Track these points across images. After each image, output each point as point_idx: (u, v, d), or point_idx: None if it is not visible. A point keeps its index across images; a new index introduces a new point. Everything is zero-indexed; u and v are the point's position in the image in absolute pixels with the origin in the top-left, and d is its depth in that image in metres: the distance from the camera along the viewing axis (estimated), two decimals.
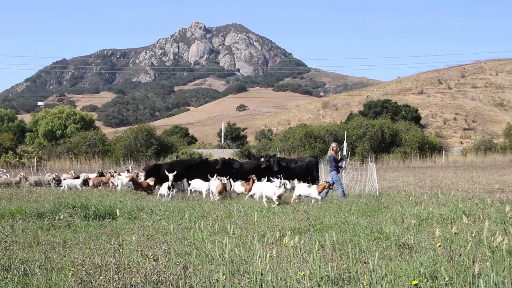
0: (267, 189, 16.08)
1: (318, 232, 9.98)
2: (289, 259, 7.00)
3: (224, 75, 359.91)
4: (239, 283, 6.24)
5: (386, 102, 77.78)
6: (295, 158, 26.74)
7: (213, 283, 6.28)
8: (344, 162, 20.10)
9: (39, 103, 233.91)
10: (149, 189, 19.42)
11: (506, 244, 6.66)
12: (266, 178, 17.33)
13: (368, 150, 51.59)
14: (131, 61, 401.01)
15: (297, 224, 10.96)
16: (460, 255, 6.74)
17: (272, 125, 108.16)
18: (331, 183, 17.05)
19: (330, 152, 18.81)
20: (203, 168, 20.99)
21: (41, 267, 7.27)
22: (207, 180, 18.64)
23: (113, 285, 6.17)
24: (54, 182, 22.97)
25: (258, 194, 16.66)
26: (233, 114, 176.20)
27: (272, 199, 15.74)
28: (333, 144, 19.34)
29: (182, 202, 16.18)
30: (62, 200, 14.58)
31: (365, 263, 6.85)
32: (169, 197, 17.42)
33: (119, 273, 6.51)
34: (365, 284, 6.04)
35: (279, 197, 15.53)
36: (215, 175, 18.30)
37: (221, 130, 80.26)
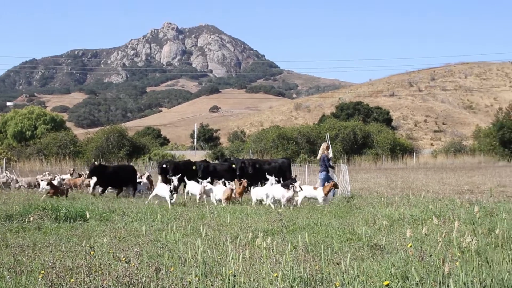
0: (275, 191, 15.48)
1: (291, 233, 10.01)
2: (262, 261, 7.00)
3: (196, 76, 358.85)
4: (211, 285, 6.23)
5: (358, 104, 78.47)
6: (268, 160, 26.80)
7: (186, 285, 6.25)
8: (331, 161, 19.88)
9: (8, 104, 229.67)
10: (65, 193, 17.67)
11: (475, 244, 6.77)
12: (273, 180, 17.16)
13: (340, 152, 51.91)
14: (102, 61, 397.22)
15: (270, 226, 10.98)
16: (431, 255, 6.83)
17: (245, 126, 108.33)
18: (321, 183, 16.85)
19: (324, 152, 18.58)
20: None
21: (10, 270, 7.14)
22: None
23: (84, 287, 6.11)
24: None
25: (259, 197, 16.04)
26: (205, 116, 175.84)
27: (279, 202, 15.26)
28: (324, 144, 19.17)
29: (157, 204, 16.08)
30: (32, 202, 14.35)
31: (337, 264, 6.89)
32: (172, 200, 16.00)
33: (90, 276, 6.44)
34: (337, 285, 6.08)
35: (289, 200, 15.08)
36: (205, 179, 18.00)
37: (193, 131, 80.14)
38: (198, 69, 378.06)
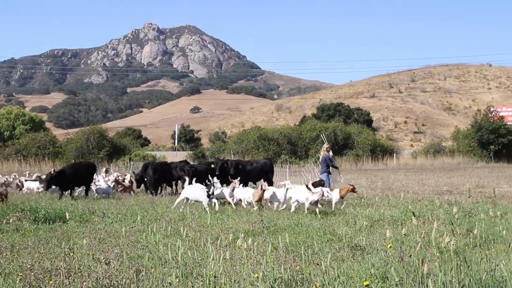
0: (299, 194, 14.23)
1: (272, 234, 10.02)
2: (242, 261, 7.00)
3: (177, 76, 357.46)
4: (192, 286, 6.21)
5: (338, 106, 78.87)
6: (250, 160, 26.80)
7: (166, 286, 6.23)
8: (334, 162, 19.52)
9: None
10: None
11: (453, 244, 6.83)
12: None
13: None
14: (82, 61, 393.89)
15: (251, 227, 10.98)
16: (410, 255, 6.88)
17: (226, 127, 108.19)
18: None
19: (324, 153, 18.36)
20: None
21: None
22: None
23: None
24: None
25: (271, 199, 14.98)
26: (187, 116, 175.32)
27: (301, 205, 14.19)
28: (326, 145, 19.00)
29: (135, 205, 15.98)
30: (10, 203, 14.19)
31: (318, 264, 6.92)
32: (215, 206, 14.58)
33: (70, 278, 6.39)
34: (318, 286, 6.10)
35: (314, 203, 13.69)
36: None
37: (175, 132, 79.89)
38: (179, 70, 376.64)
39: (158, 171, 21.39)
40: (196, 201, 14.87)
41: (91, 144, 51.58)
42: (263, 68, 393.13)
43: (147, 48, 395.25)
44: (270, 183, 22.09)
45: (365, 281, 6.18)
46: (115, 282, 6.20)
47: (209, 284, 6.25)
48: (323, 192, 14.13)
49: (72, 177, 18.87)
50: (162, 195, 20.06)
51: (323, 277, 6.35)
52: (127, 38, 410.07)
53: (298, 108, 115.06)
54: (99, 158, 48.69)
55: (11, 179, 23.43)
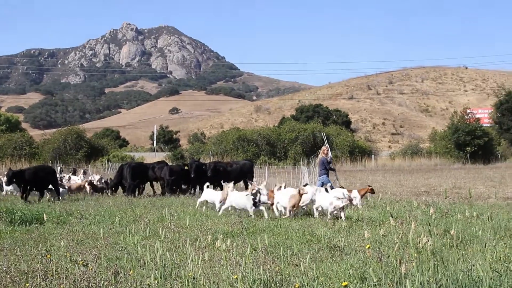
0: (323, 199, 13.13)
1: (251, 236, 10.01)
2: (221, 263, 6.99)
3: (156, 77, 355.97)
4: (171, 287, 6.19)
5: (317, 107, 79.17)
6: (230, 161, 26.80)
7: (145, 287, 6.19)
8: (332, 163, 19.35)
9: None
10: None
11: (430, 245, 6.90)
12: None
13: (300, 154, 52.24)
14: (59, 61, 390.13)
15: (230, 228, 10.96)
16: (388, 256, 6.93)
17: (205, 128, 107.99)
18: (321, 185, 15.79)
19: (322, 155, 18.09)
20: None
21: None
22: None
23: None
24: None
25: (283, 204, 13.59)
26: (165, 117, 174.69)
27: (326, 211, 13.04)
28: (324, 147, 18.81)
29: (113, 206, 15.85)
30: None
31: (296, 265, 6.93)
32: (264, 214, 13.15)
33: (47, 280, 6.31)
34: (297, 286, 6.11)
35: (340, 209, 12.46)
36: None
37: (153, 133, 79.48)
38: (157, 70, 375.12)
39: (136, 172, 21.22)
40: (241, 209, 13.61)
41: (68, 145, 51.16)
42: (242, 69, 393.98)
43: (125, 48, 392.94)
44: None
45: (344, 281, 6.21)
46: (93, 284, 6.15)
47: (188, 285, 6.22)
48: (351, 199, 13.24)
49: (31, 179, 18.30)
50: (140, 197, 19.92)
51: (302, 278, 6.37)
52: (105, 38, 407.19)
53: (277, 109, 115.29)
54: (76, 159, 48.31)
55: None
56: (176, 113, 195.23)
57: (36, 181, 18.40)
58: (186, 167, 21.63)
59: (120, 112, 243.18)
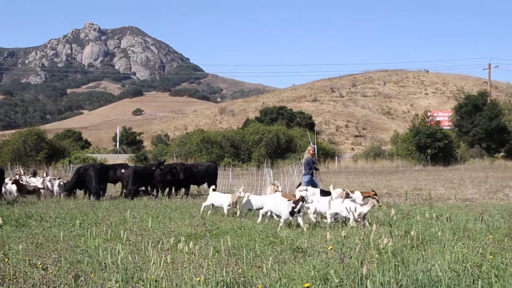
0: (340, 205, 12.09)
1: (215, 237, 10.00)
2: (184, 265, 6.95)
3: (119, 78, 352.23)
4: None
5: (281, 109, 79.39)
6: (194, 163, 26.68)
7: None
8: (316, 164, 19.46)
9: None
10: None
11: (391, 246, 7.01)
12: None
13: (264, 156, 52.36)
14: (19, 61, 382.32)
15: (193, 230, 10.92)
16: (351, 257, 7.01)
17: (169, 130, 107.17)
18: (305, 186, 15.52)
19: (307, 155, 18.32)
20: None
21: None
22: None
23: None
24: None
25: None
26: (128, 119, 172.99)
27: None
28: (310, 147, 18.94)
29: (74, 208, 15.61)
30: None
31: (259, 267, 6.94)
32: (300, 223, 11.58)
33: (4, 284, 6.19)
34: None
35: (363, 216, 11.61)
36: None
37: (116, 134, 78.49)
38: (121, 71, 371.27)
39: (102, 174, 20.88)
40: (275, 214, 12.32)
41: (28, 146, 50.17)
42: (206, 70, 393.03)
43: (88, 48, 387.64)
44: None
45: (306, 283, 6.24)
46: None
47: None
48: (374, 204, 12.10)
49: None
50: (103, 199, 19.64)
51: (265, 279, 6.38)
52: (67, 38, 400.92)
53: (241, 111, 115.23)
54: (37, 161, 47.41)
55: None
56: (139, 114, 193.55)
57: None
58: (154, 168, 21.51)
59: (82, 113, 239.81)
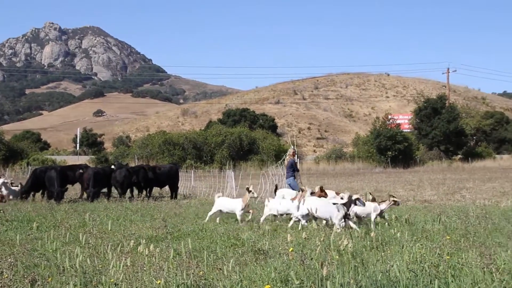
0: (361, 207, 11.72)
1: (176, 240, 9.93)
2: (144, 268, 6.88)
3: (80, 79, 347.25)
4: None
5: (244, 111, 79.57)
6: (156, 165, 26.46)
7: None
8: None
9: None
10: None
11: (351, 247, 7.08)
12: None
13: (227, 158, 52.36)
14: None
15: (154, 232, 10.83)
16: (311, 259, 7.05)
17: (131, 131, 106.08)
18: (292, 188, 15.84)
19: (290, 157, 18.34)
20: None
21: None
22: None
23: None
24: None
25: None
26: (89, 120, 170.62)
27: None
28: (291, 149, 18.99)
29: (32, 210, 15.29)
30: None
31: (220, 269, 6.93)
32: (351, 227, 10.96)
33: None
34: None
35: (382, 215, 12.07)
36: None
37: (76, 136, 77.36)
38: (82, 72, 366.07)
39: (65, 177, 20.49)
40: (324, 218, 11.50)
41: None
42: (169, 72, 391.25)
43: (48, 48, 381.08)
44: (175, 189, 21.98)
45: (267, 284, 6.26)
46: None
47: None
48: (391, 202, 12.27)
49: None
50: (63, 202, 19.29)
51: (226, 281, 6.37)
52: (27, 37, 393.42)
53: (204, 113, 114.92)
54: None
55: None
56: (100, 115, 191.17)
57: None
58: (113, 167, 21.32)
59: (41, 114, 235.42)
